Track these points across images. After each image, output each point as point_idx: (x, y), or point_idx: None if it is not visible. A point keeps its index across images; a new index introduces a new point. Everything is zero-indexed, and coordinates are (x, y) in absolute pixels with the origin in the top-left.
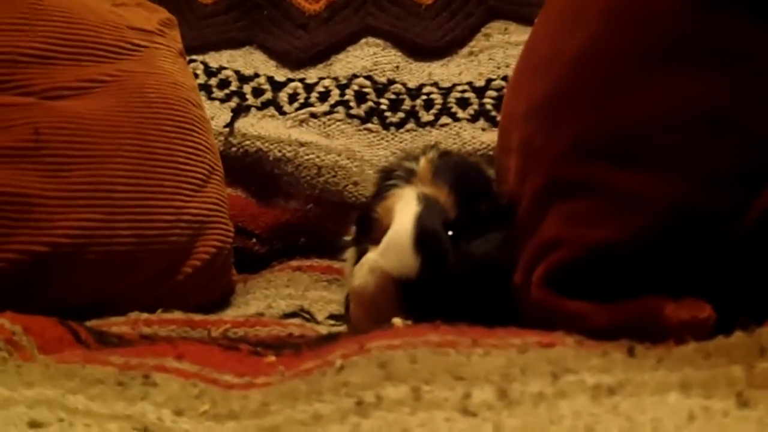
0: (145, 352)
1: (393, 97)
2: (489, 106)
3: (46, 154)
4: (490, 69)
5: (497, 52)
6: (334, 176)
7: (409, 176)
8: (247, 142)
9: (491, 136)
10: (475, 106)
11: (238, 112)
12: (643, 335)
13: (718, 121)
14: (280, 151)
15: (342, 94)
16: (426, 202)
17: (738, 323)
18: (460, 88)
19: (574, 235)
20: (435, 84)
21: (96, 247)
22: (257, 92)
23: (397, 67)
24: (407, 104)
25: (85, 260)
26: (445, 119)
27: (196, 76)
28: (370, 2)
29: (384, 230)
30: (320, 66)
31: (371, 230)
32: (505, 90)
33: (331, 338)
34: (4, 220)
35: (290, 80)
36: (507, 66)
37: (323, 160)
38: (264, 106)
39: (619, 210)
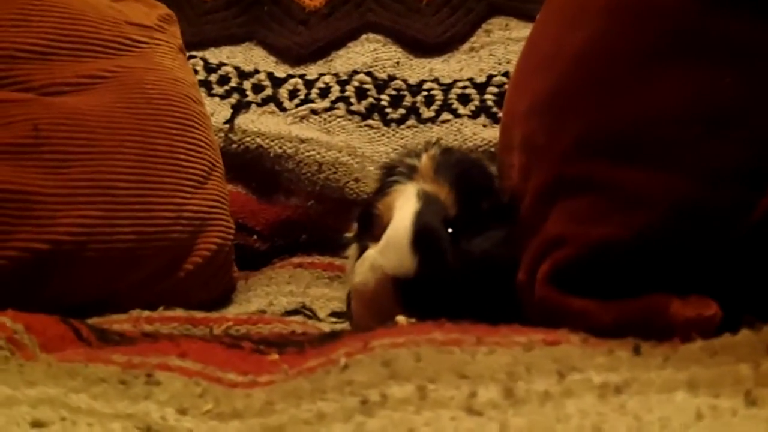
0: (147, 350)
1: (394, 93)
2: (490, 103)
3: (46, 150)
4: (491, 65)
5: (498, 48)
6: (335, 173)
7: (411, 173)
8: (248, 139)
9: (492, 133)
10: (476, 102)
11: (239, 108)
12: (648, 333)
13: (720, 118)
14: (280, 147)
15: (342, 91)
16: (426, 199)
17: (744, 321)
18: (460, 84)
19: (578, 232)
20: (436, 80)
21: (97, 244)
22: (257, 88)
23: (398, 63)
24: (408, 100)
25: (86, 257)
26: (446, 115)
27: (196, 72)
28: None
29: (385, 227)
30: (320, 62)
31: (372, 227)
32: (506, 86)
33: (334, 336)
34: (5, 217)
35: (290, 76)
36: (508, 62)
37: (324, 157)
38: (264, 102)
39: (623, 207)
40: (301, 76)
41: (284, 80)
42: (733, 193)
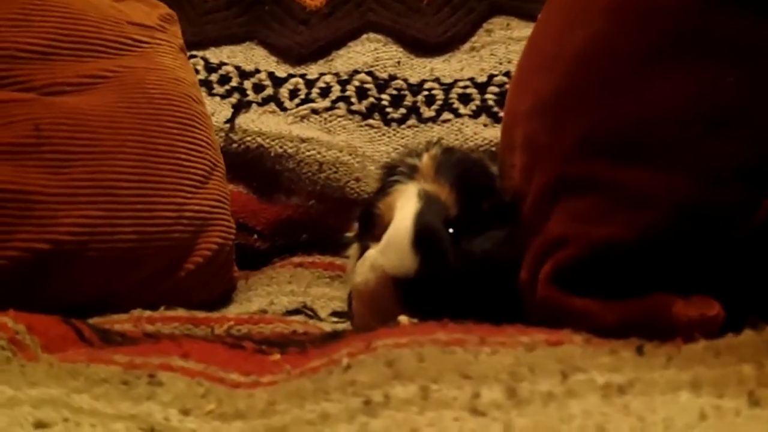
0: (149, 350)
1: (394, 92)
2: (491, 102)
3: (47, 150)
4: (492, 65)
5: (499, 47)
6: (336, 172)
7: (412, 172)
8: (248, 138)
9: (493, 132)
10: (477, 102)
11: (239, 107)
12: (651, 333)
13: (723, 117)
14: (281, 147)
15: (343, 90)
16: (427, 199)
17: (747, 321)
18: (461, 83)
19: (580, 232)
20: (436, 80)
21: (98, 244)
22: (258, 88)
23: (399, 62)
24: (409, 100)
25: (87, 257)
26: (446, 115)
27: (197, 71)
28: None
29: (386, 227)
30: (321, 62)
31: (373, 226)
32: (507, 86)
33: (336, 336)
34: (6, 217)
35: (291, 76)
36: (509, 62)
37: (324, 156)
38: (265, 101)
39: (626, 207)
40: (302, 76)
41: (285, 80)
42: (735, 193)
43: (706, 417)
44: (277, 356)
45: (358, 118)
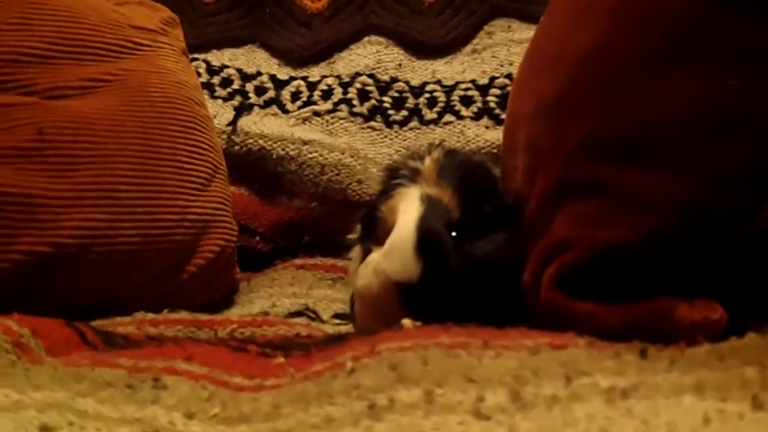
0: (153, 353)
1: (396, 95)
2: (492, 104)
3: (50, 154)
4: (494, 67)
5: (500, 49)
6: (338, 174)
7: (414, 175)
8: (250, 141)
9: (495, 134)
10: (479, 104)
11: (241, 110)
12: (654, 336)
13: (726, 120)
14: (283, 149)
15: (345, 92)
16: (429, 203)
17: (750, 324)
18: (463, 86)
19: (584, 235)
20: (438, 82)
21: (100, 247)
22: (260, 90)
23: (400, 65)
24: (410, 102)
25: (90, 260)
26: (448, 117)
27: (199, 74)
28: (373, 0)
29: (388, 230)
30: (323, 64)
31: (376, 230)
32: (508, 88)
33: (339, 339)
34: (9, 220)
35: (293, 78)
36: (510, 64)
37: (326, 159)
38: (267, 104)
39: (629, 210)
40: (304, 78)
41: (287, 82)
42: (739, 196)
43: (710, 421)
44: (280, 359)
45: (360, 120)
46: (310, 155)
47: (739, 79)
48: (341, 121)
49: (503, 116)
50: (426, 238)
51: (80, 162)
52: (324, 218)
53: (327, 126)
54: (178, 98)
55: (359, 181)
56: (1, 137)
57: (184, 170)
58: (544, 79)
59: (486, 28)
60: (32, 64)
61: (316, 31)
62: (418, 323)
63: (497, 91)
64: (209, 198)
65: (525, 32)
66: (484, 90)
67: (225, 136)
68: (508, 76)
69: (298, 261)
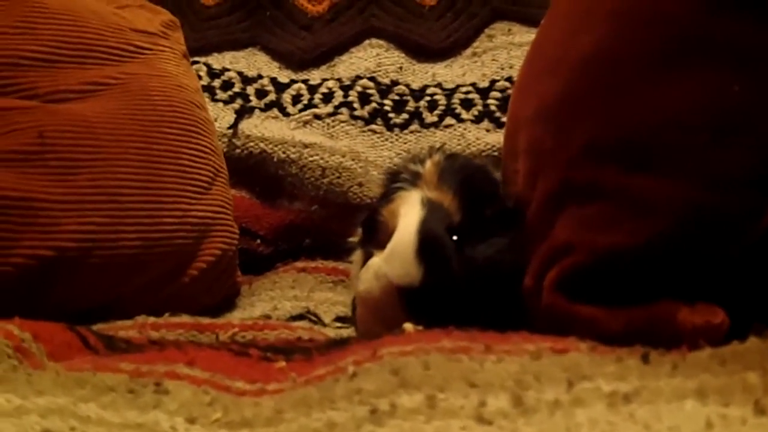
0: (155, 358)
1: (397, 98)
2: (493, 107)
3: (51, 157)
4: (494, 70)
5: (501, 53)
6: (339, 177)
7: (415, 179)
8: (251, 144)
9: (496, 138)
10: (479, 107)
11: (242, 113)
12: (656, 340)
13: (728, 123)
14: (284, 152)
15: (346, 96)
16: (430, 206)
17: (752, 329)
18: (463, 89)
19: (586, 239)
20: (439, 85)
21: (102, 250)
22: (261, 94)
23: (401, 68)
24: (411, 105)
25: (91, 264)
26: (449, 120)
27: (199, 77)
28: (374, 3)
29: (389, 233)
30: (323, 67)
31: (377, 233)
32: (509, 91)
33: (341, 343)
34: (10, 224)
35: (294, 81)
36: (511, 67)
37: (327, 162)
38: (267, 107)
39: (631, 214)
40: (305, 81)
41: (287, 85)
42: (741, 200)
43: (713, 426)
44: (282, 364)
45: (360, 123)
46: (311, 158)
47: (740, 82)
48: (342, 124)
49: (504, 119)
50: (427, 242)
51: (81, 165)
52: (325, 221)
53: (328, 129)
54: (179, 101)
55: (360, 184)
56: (1, 141)
57: (185, 173)
58: (545, 83)
59: (486, 31)
60: (33, 68)
61: (316, 34)
62: (420, 327)
63: (498, 94)
64: (210, 201)
65: (525, 35)
66: (484, 93)
67: (226, 139)
68: (509, 79)
69: (299, 264)
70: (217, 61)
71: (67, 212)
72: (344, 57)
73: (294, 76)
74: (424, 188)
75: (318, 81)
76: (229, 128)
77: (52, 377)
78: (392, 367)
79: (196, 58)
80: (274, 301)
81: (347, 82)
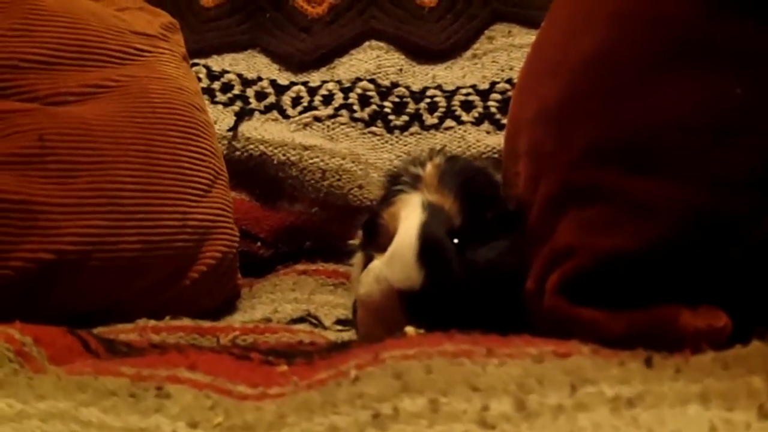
0: (156, 362)
1: (397, 100)
2: (493, 109)
3: (51, 160)
4: (494, 72)
5: (501, 54)
6: (339, 179)
7: (416, 182)
8: (251, 146)
9: (496, 139)
10: (480, 109)
11: (242, 115)
12: (658, 344)
13: (730, 125)
14: (284, 154)
15: (345, 98)
16: (431, 210)
17: (755, 332)
18: (464, 91)
19: (588, 242)
20: (439, 87)
21: (102, 253)
22: (260, 96)
23: (401, 70)
24: (411, 107)
25: (91, 267)
26: (449, 122)
27: (199, 79)
28: (373, 5)
29: (390, 236)
30: (323, 69)
31: (377, 236)
32: (509, 93)
33: (343, 347)
34: (10, 227)
35: (293, 84)
36: (511, 69)
37: (327, 164)
38: (267, 109)
39: (633, 217)
40: (304, 84)
41: (287, 87)
42: (743, 202)
43: (716, 430)
44: (284, 367)
45: (360, 125)
46: (311, 160)
47: (741, 84)
48: (342, 127)
49: (504, 121)
50: (428, 245)
51: (81, 168)
52: (325, 223)
53: (328, 131)
54: (179, 104)
55: (360, 187)
56: (2, 144)
57: (185, 176)
58: (545, 84)
59: (486, 32)
60: (33, 71)
61: (316, 36)
62: (422, 331)
63: (498, 96)
64: (210, 204)
65: (525, 37)
66: (484, 95)
67: (226, 142)
68: (509, 81)
69: (300, 266)
70: (216, 63)
71: (67, 215)
72: (344, 59)
73: (294, 78)
74: (424, 191)
75: (318, 83)
76: (228, 130)
77: (53, 381)
78: (394, 371)
79: (196, 60)
80: (274, 303)
81: (347, 84)
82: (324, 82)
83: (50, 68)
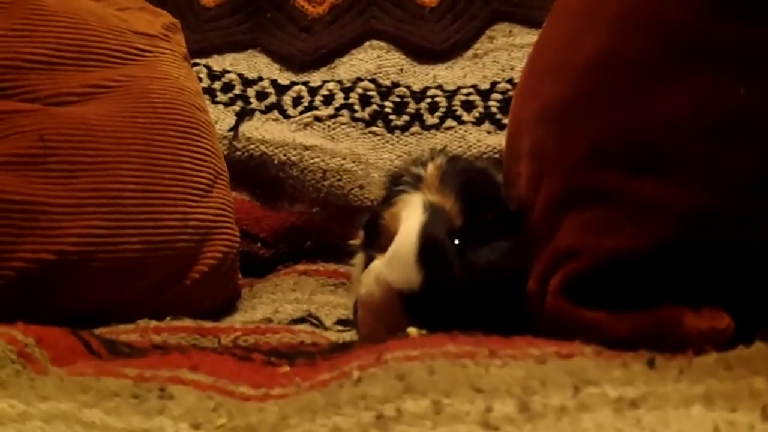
0: (159, 363)
1: (397, 100)
2: (494, 109)
3: (53, 161)
4: (495, 72)
5: (501, 54)
6: (339, 180)
7: (417, 182)
8: (252, 146)
9: (496, 139)
10: (480, 109)
11: (242, 115)
12: (661, 345)
13: (734, 127)
14: (284, 154)
15: (346, 98)
16: (431, 210)
17: (758, 333)
18: (464, 91)
19: (591, 244)
20: (439, 87)
21: (103, 254)
22: (261, 96)
23: (401, 69)
24: (412, 107)
25: (93, 267)
26: (450, 122)
27: (200, 79)
28: (374, 5)
29: (391, 237)
30: (324, 69)
31: (378, 236)
32: (510, 93)
33: (345, 348)
34: (11, 228)
35: (294, 83)
36: (511, 69)
37: (328, 164)
38: (268, 109)
39: (636, 219)
40: (305, 84)
41: (288, 87)
42: (746, 203)
43: (719, 431)
44: (286, 368)
45: (361, 125)
46: (311, 160)
47: (744, 86)
48: (343, 127)
49: (505, 121)
50: (428, 246)
51: (82, 169)
52: (326, 223)
53: (328, 131)
54: (180, 104)
55: (361, 187)
56: (3, 144)
57: (186, 176)
58: (547, 85)
59: (487, 32)
60: (34, 71)
61: (317, 35)
62: (424, 332)
63: (499, 96)
64: (211, 204)
65: (526, 37)
66: (485, 95)
67: (226, 142)
68: (510, 81)
69: (301, 266)
70: (217, 63)
71: (68, 215)
72: (345, 59)
73: (294, 78)
74: (425, 191)
75: (318, 83)
76: (229, 130)
77: (55, 382)
78: (397, 372)
79: (197, 60)
80: (275, 304)
81: (348, 84)
82: (325, 82)
83: (51, 68)
